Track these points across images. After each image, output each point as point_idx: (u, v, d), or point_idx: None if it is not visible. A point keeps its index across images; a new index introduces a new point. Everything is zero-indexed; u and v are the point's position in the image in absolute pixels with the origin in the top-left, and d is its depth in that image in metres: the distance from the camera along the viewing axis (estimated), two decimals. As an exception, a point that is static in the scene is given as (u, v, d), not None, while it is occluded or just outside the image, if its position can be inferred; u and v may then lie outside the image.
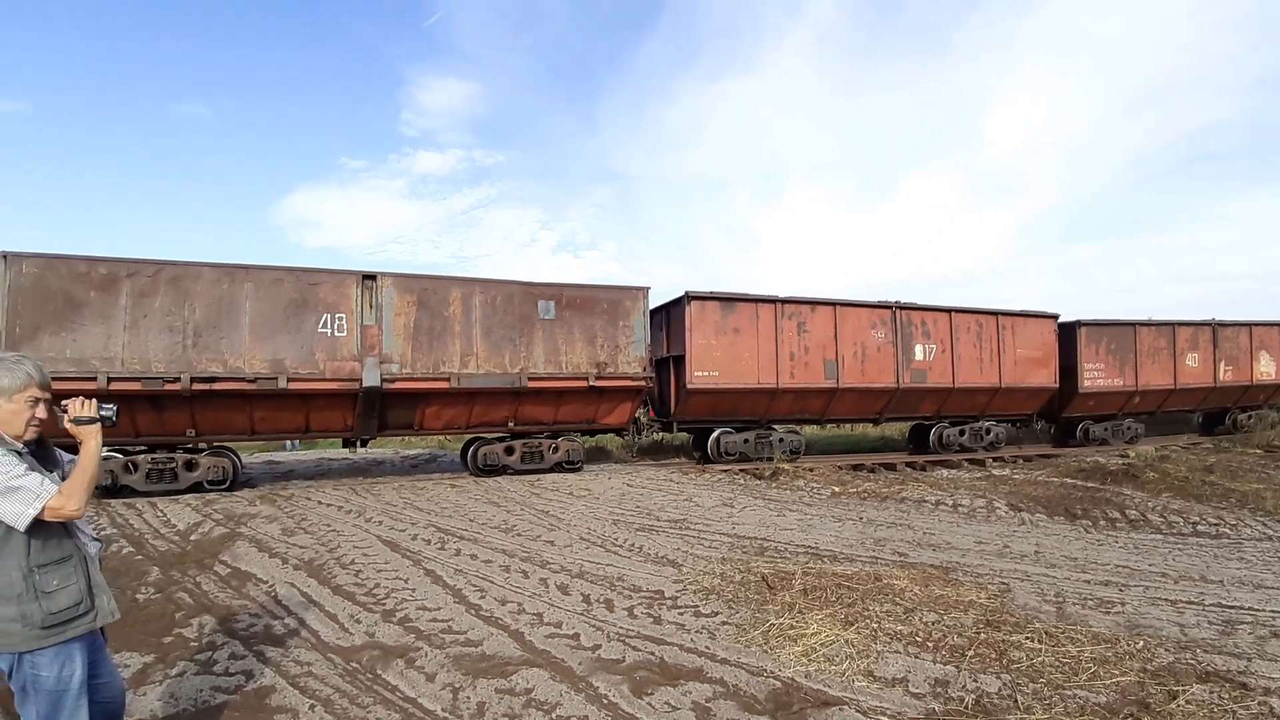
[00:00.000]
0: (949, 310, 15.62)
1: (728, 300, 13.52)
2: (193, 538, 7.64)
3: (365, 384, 10.89)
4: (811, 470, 13.33)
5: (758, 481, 12.24)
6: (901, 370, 14.91)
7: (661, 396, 14.65)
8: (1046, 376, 17.04)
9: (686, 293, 13.28)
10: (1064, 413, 18.35)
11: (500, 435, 12.78)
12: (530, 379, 12.09)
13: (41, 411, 2.36)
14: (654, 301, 13.54)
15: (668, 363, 14.23)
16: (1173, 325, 19.13)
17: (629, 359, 12.86)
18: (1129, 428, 19.22)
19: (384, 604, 5.41)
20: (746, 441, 14.21)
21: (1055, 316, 17.42)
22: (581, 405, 12.82)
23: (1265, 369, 20.32)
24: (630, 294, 13.06)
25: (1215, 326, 19.63)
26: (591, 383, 12.46)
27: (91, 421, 2.41)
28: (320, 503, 9.80)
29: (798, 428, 14.91)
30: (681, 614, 5.17)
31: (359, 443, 12.08)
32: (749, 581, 5.93)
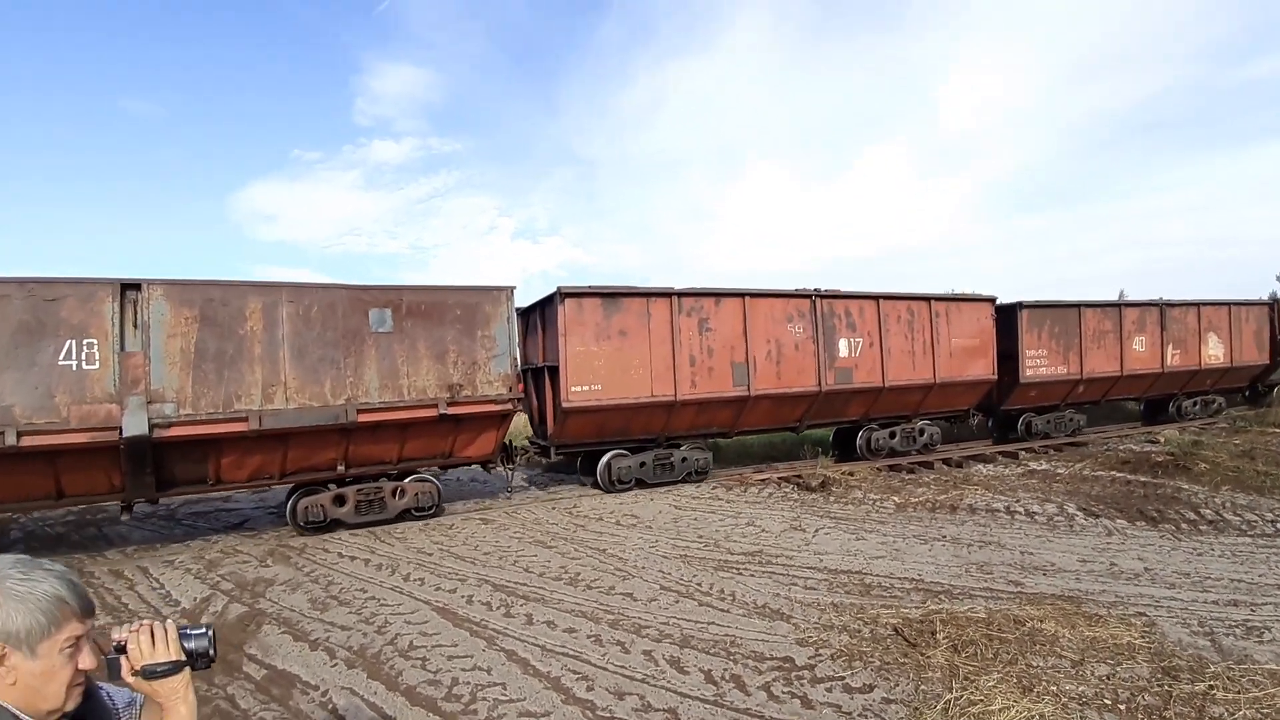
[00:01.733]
0: (876, 297, 14.50)
1: (611, 296, 11.97)
2: (204, 620, 6.77)
3: (126, 433, 8.89)
4: (850, 475, 13.27)
5: (810, 494, 12.23)
6: (824, 370, 13.67)
7: (540, 414, 12.96)
8: (984, 367, 16.21)
9: (558, 289, 11.69)
10: (1004, 405, 17.73)
11: (329, 480, 10.82)
12: (362, 411, 10.29)
13: (88, 659, 1.56)
14: (533, 298, 11.73)
15: (542, 374, 12.53)
16: (1119, 306, 18.80)
17: (490, 377, 11.16)
18: (1071, 419, 18.77)
19: (475, 711, 4.85)
20: (644, 465, 12.73)
21: (993, 300, 16.66)
22: (432, 438, 11.11)
23: (1214, 351, 20.23)
24: (490, 296, 11.34)
25: (1163, 307, 19.45)
26: (443, 410, 10.71)
27: (175, 670, 1.62)
28: (342, 555, 9.27)
29: (704, 444, 13.36)
30: (830, 690, 4.98)
31: (130, 507, 9.92)
32: (880, 636, 5.85)
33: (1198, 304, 20.07)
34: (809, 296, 13.77)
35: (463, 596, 7.26)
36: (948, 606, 6.45)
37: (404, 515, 11.31)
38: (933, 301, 15.44)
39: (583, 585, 7.49)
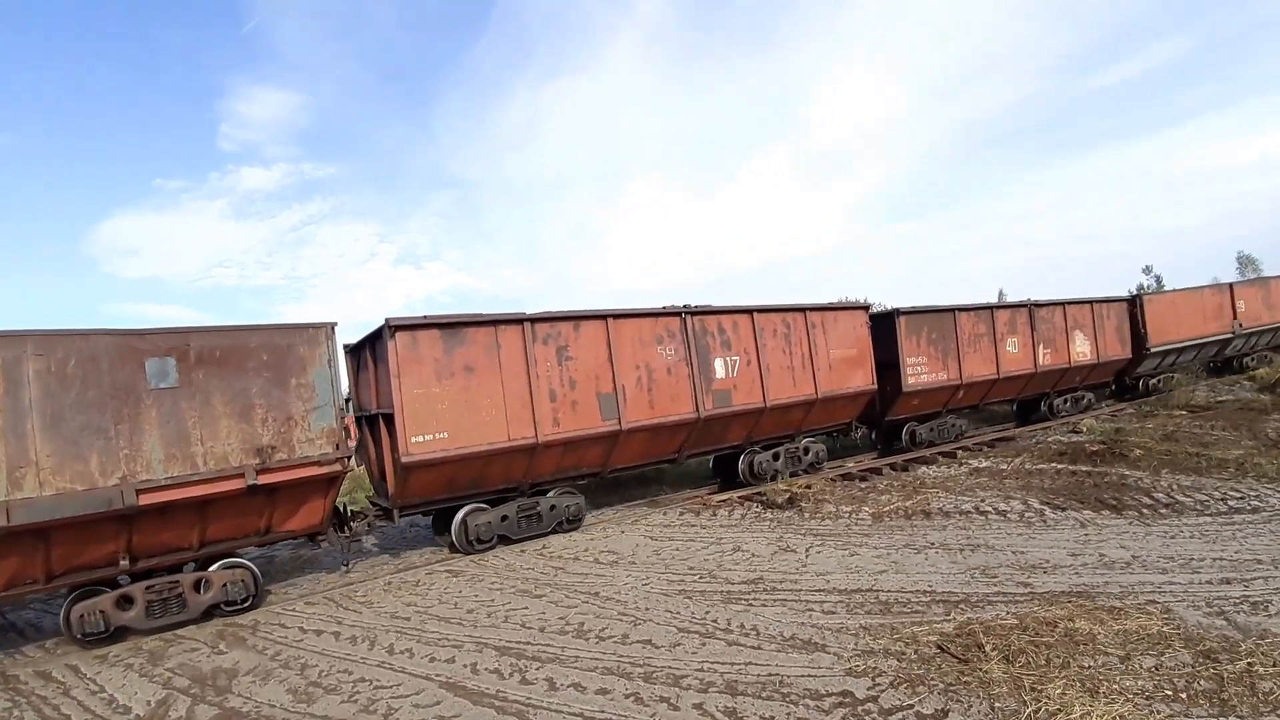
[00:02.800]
0: (750, 311, 13.93)
1: (451, 326, 10.79)
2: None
3: None
4: (808, 488, 13.49)
5: (781, 512, 12.42)
6: (701, 394, 12.89)
7: (380, 469, 11.50)
8: (864, 378, 15.99)
9: (386, 321, 10.35)
10: (887, 416, 17.52)
11: (112, 577, 9.07)
12: (144, 490, 8.61)
13: None
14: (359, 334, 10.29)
15: (377, 422, 11.10)
16: (991, 309, 19.24)
17: (311, 433, 9.75)
18: (953, 425, 18.92)
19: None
20: (506, 519, 11.49)
21: (866, 307, 16.56)
22: (242, 514, 9.64)
23: (1081, 349, 21.03)
24: (305, 336, 9.95)
25: (1031, 307, 20.12)
26: (252, 480, 9.15)
27: None
28: (304, 630, 8.58)
29: (573, 488, 12.21)
30: (907, 722, 5.00)
31: None
32: (927, 656, 5.92)
33: (1063, 303, 20.80)
34: (678, 314, 12.97)
35: (465, 665, 6.84)
36: (976, 616, 6.69)
37: (211, 612, 9.58)
38: (808, 312, 15.03)
39: (593, 637, 7.22)
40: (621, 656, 6.62)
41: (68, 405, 8.39)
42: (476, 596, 9.08)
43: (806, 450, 15.64)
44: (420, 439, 10.44)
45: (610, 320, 12.12)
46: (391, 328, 10.44)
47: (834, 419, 16.06)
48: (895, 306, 17.06)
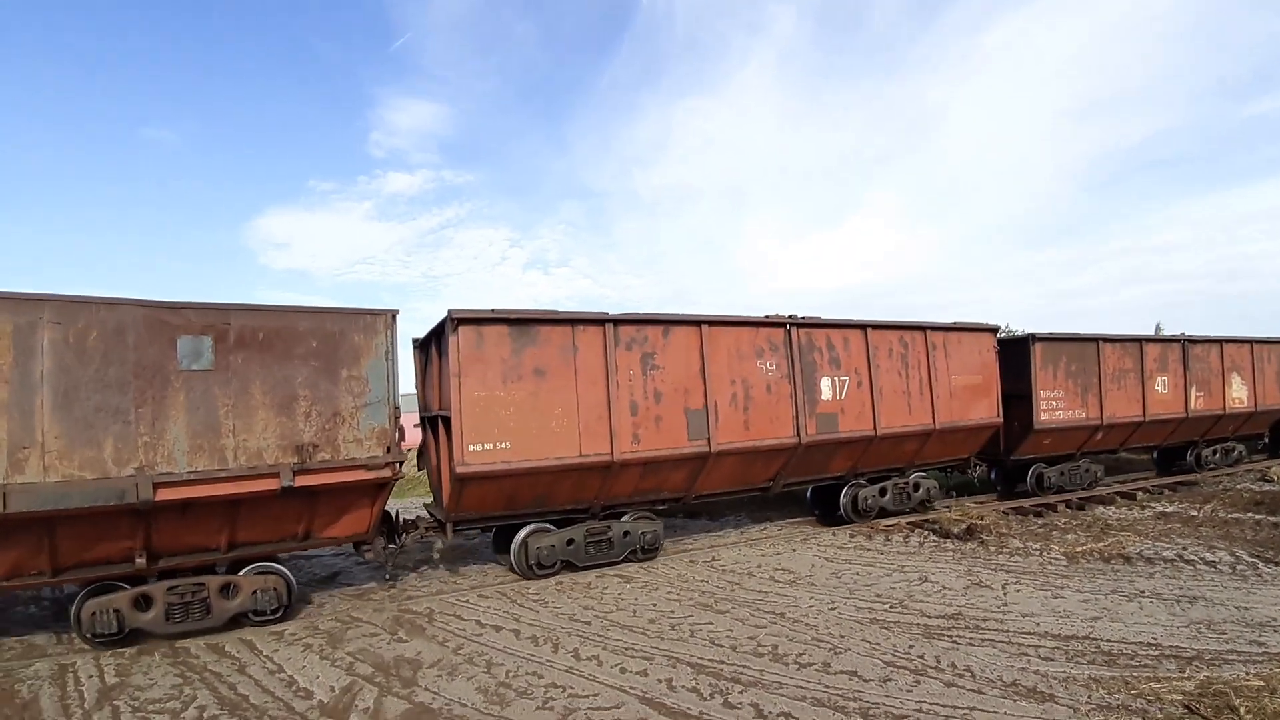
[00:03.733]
0: (863, 326, 12.18)
1: (522, 323, 9.51)
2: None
3: None
4: (982, 519, 12.79)
5: (964, 543, 11.71)
6: (804, 417, 11.28)
7: (439, 476, 10.36)
8: (988, 409, 14.03)
9: (450, 313, 9.08)
10: (1014, 454, 15.46)
11: (129, 576, 8.15)
12: (162, 485, 7.60)
13: None
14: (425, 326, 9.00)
15: (437, 424, 9.92)
16: (1140, 341, 16.97)
17: (360, 433, 8.63)
18: (1087, 470, 16.57)
19: None
20: (572, 544, 10.15)
21: (995, 330, 14.50)
22: (277, 517, 8.60)
23: (1238, 394, 18.54)
24: (361, 322, 8.85)
25: (1185, 343, 17.75)
26: (287, 481, 8.06)
27: None
28: (481, 624, 8.31)
29: (651, 513, 10.76)
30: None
31: None
32: (1175, 716, 5.46)
33: (1220, 340, 18.29)
34: (783, 325, 11.37)
35: (660, 680, 6.48)
36: (1216, 675, 6.27)
37: (239, 620, 8.53)
38: (929, 331, 13.19)
39: (791, 662, 6.82)
40: (828, 687, 6.25)
41: (84, 382, 7.40)
42: (654, 606, 8.67)
43: (917, 486, 13.77)
44: (479, 447, 9.16)
45: (705, 327, 10.62)
46: (454, 321, 9.19)
47: (951, 453, 14.15)
48: (1030, 332, 15.05)
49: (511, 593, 9.51)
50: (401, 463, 9.02)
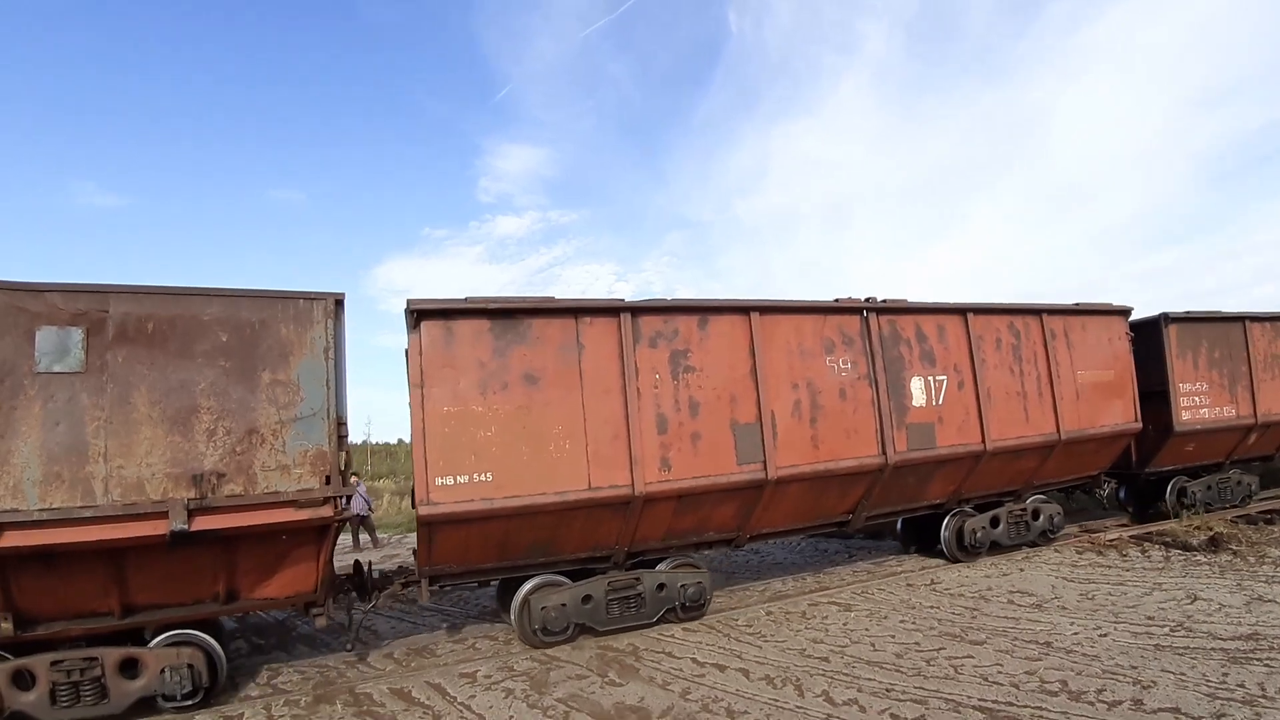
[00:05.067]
0: (962, 310, 9.49)
1: (507, 315, 7.17)
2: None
3: None
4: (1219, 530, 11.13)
5: (1215, 555, 10.21)
6: (890, 429, 8.59)
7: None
8: (1124, 411, 11.18)
9: (407, 304, 6.71)
10: (1148, 466, 12.35)
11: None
12: (8, 525, 5.34)
13: None
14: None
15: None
16: None
17: (286, 456, 6.40)
18: (1239, 483, 13.42)
19: None
20: (589, 602, 7.71)
21: (1126, 312, 11.50)
22: (181, 573, 6.49)
23: None
24: (289, 310, 6.72)
25: None
26: (178, 525, 5.77)
27: None
28: (697, 662, 7.01)
29: (693, 558, 8.26)
30: None
31: None
32: None
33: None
34: (859, 310, 8.71)
35: None
36: None
37: (152, 703, 6.36)
38: (1045, 316, 10.36)
39: (1095, 701, 5.68)
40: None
41: None
42: (892, 637, 7.47)
43: (1036, 514, 10.91)
44: (449, 481, 6.74)
45: (755, 316, 8.00)
46: (414, 313, 6.83)
47: (1076, 470, 11.23)
48: (1162, 311, 12.09)
49: (721, 625, 8.22)
50: (346, 498, 6.70)
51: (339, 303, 6.78)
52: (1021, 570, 9.84)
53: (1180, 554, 10.30)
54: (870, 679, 6.35)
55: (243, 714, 6.46)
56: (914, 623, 7.87)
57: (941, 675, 6.37)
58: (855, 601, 8.84)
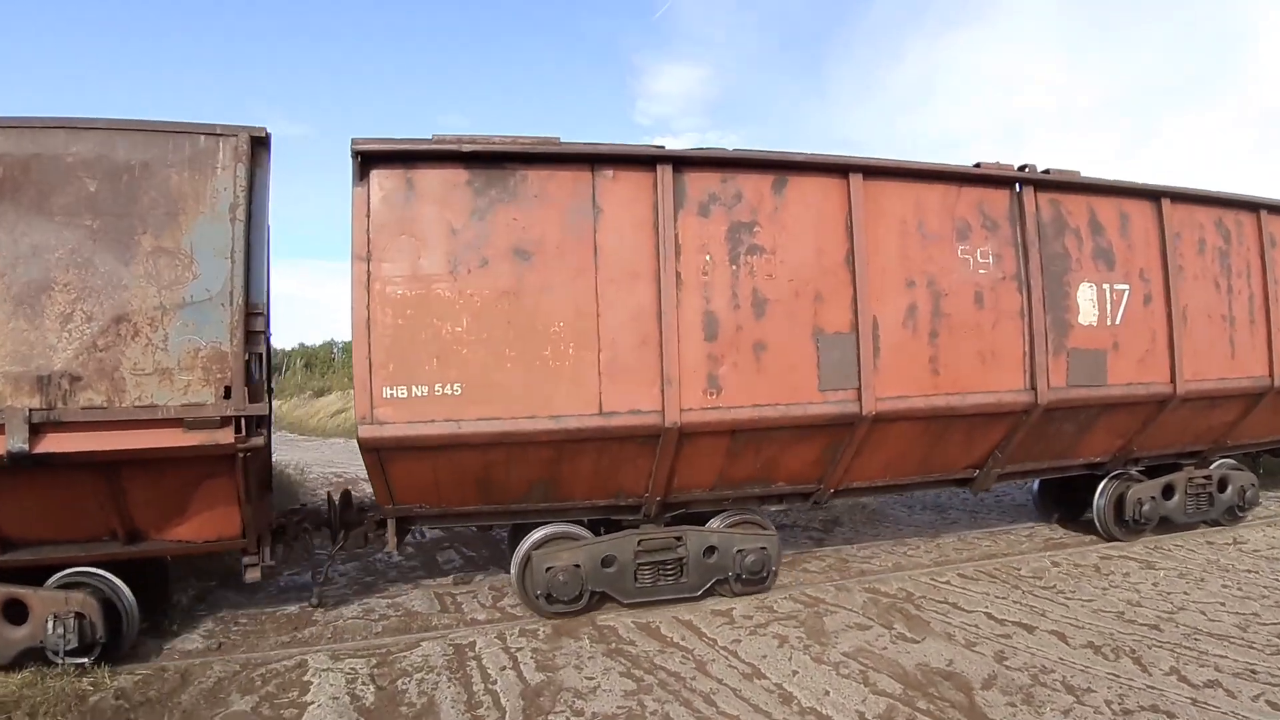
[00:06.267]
0: (1156, 194, 6.76)
1: (491, 162, 4.99)
2: None
3: None
4: None
5: None
6: (1043, 355, 6.09)
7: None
8: None
9: (353, 144, 4.58)
10: None
11: None
12: None
13: None
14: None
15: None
16: None
17: (169, 356, 4.35)
18: None
19: None
20: (611, 565, 5.78)
21: None
22: (57, 501, 4.94)
23: None
24: (183, 148, 4.71)
25: None
26: (15, 444, 3.92)
27: None
28: (994, 619, 5.84)
29: (760, 513, 6.13)
30: None
31: None
32: None
33: None
34: (1010, 182, 6.16)
35: None
36: None
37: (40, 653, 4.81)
38: (1264, 213, 7.53)
39: None
40: None
41: None
42: (1222, 605, 6.09)
43: (1223, 483, 8.24)
44: (400, 393, 4.76)
45: (856, 179, 5.57)
46: (361, 157, 4.79)
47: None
48: None
49: (999, 573, 7.01)
50: (260, 419, 4.82)
51: (259, 141, 4.81)
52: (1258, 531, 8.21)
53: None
54: (1222, 656, 5.21)
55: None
56: (1239, 588, 6.57)
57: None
58: (1155, 559, 7.39)
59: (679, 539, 5.85)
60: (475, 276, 4.87)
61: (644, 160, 5.15)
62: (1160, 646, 5.31)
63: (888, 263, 5.63)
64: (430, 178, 4.91)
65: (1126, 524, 7.69)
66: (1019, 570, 7.07)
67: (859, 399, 5.47)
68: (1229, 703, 4.46)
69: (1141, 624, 5.75)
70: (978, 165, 6.02)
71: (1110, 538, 7.78)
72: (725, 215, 5.30)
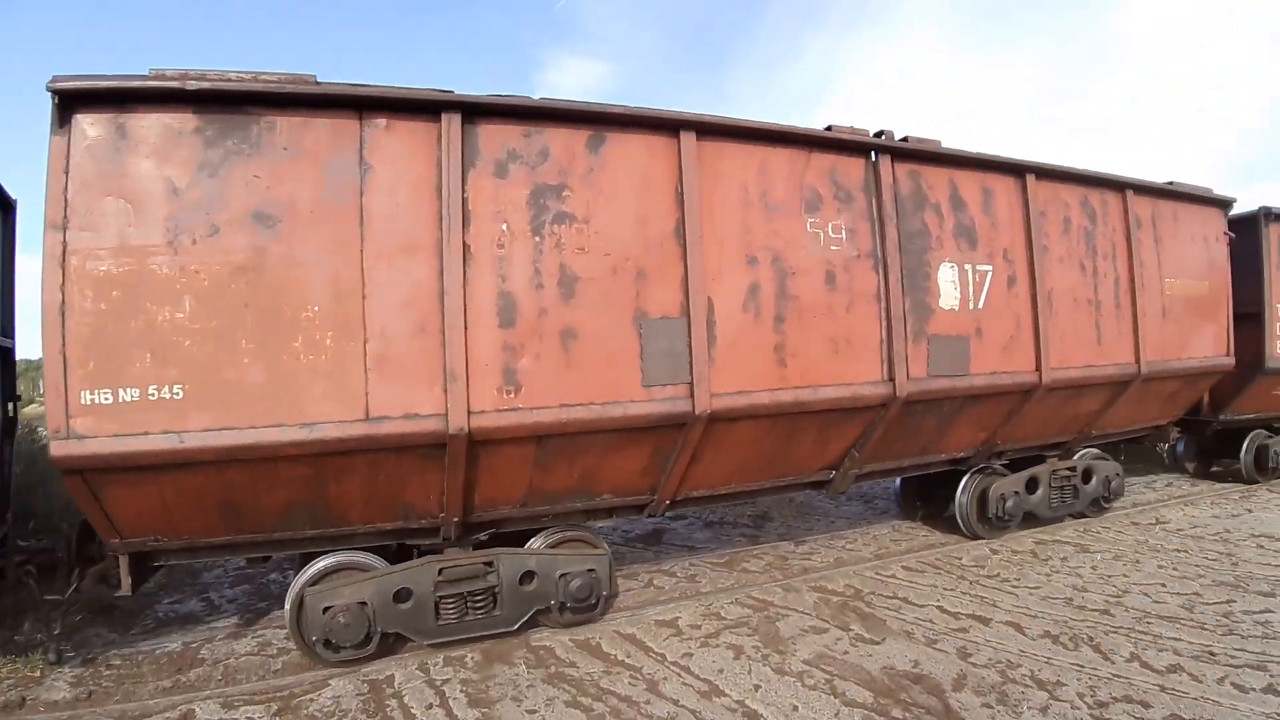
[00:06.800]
0: (1021, 169, 6.32)
1: (228, 104, 4.03)
2: None
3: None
4: None
5: None
6: (902, 342, 5.48)
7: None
8: (1215, 340, 8.51)
9: (52, 82, 3.57)
10: (1223, 413, 9.51)
11: None
12: None
13: None
14: None
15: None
16: None
17: None
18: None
19: None
20: (406, 598, 4.88)
21: (1227, 205, 8.63)
22: None
23: None
24: None
25: None
26: None
27: None
28: (947, 612, 5.77)
29: (589, 530, 5.32)
30: None
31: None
32: None
33: None
34: (866, 149, 5.51)
35: None
36: None
37: None
38: (1130, 194, 7.21)
39: None
40: None
41: None
42: (1163, 586, 6.15)
43: (1088, 475, 7.94)
44: (104, 398, 3.70)
45: (689, 139, 4.76)
46: (61, 98, 3.70)
47: (1144, 418, 8.23)
48: (1262, 206, 9.04)
49: (943, 564, 6.90)
50: None
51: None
52: (1250, 511, 8.62)
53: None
54: (1177, 639, 5.26)
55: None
56: (1174, 569, 6.73)
57: (1257, 635, 5.28)
58: (1087, 541, 7.50)
59: (489, 565, 4.95)
60: (203, 248, 3.83)
61: (426, 107, 4.20)
62: (1115, 632, 5.29)
63: (726, 236, 4.86)
64: (148, 124, 3.84)
65: (990, 521, 7.26)
66: (960, 559, 6.97)
67: (691, 395, 4.68)
68: (1196, 687, 4.43)
69: (1092, 610, 5.72)
70: (829, 128, 5.32)
71: (974, 536, 7.35)
72: (528, 176, 4.40)
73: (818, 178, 5.23)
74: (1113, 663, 4.85)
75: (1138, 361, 7.06)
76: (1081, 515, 8.10)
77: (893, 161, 5.57)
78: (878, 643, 5.14)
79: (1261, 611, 5.60)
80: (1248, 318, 8.83)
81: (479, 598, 4.98)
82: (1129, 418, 7.98)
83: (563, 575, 5.10)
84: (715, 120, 4.85)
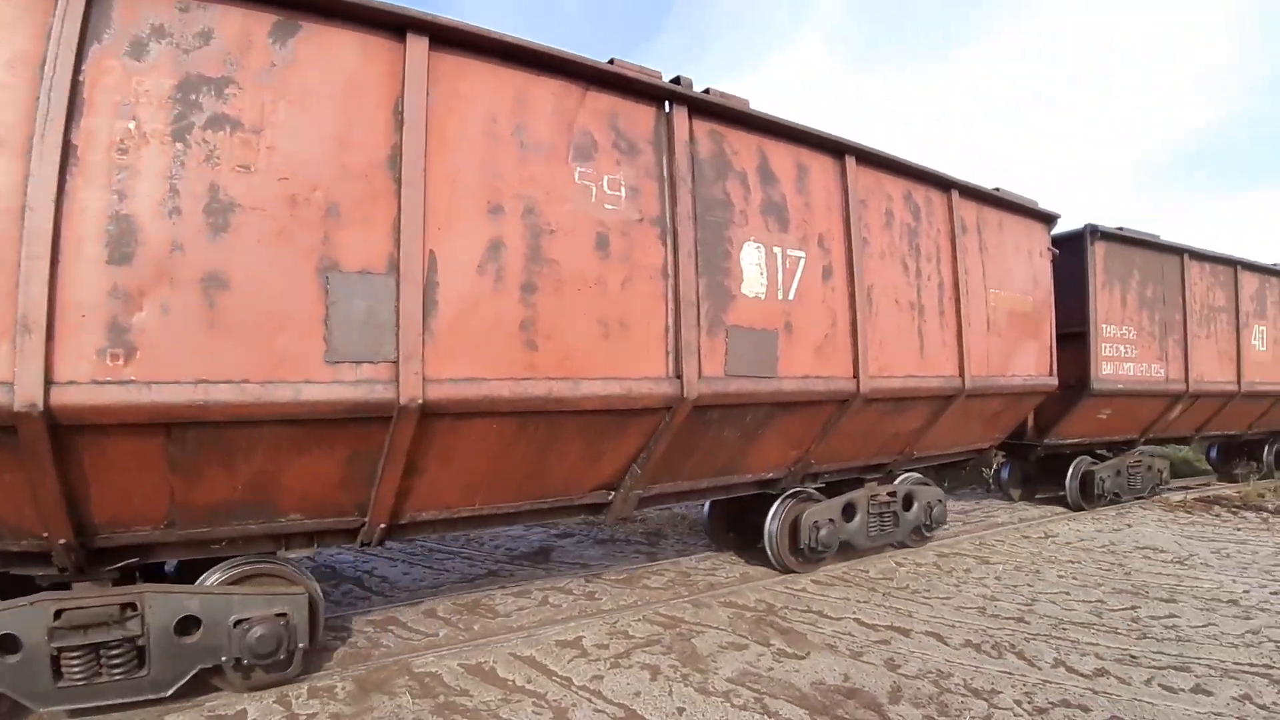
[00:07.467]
0: (841, 150, 5.57)
1: None
2: None
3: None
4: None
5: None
6: (693, 328, 4.57)
7: None
8: (1039, 359, 8.18)
9: None
10: (1047, 436, 9.52)
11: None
12: None
13: None
14: None
15: None
16: (1235, 266, 10.99)
17: None
18: (1149, 469, 10.50)
19: None
20: (12, 652, 3.17)
21: (1052, 220, 8.39)
22: None
23: None
24: None
25: None
26: None
27: None
28: (865, 624, 5.68)
29: (285, 562, 4.05)
30: None
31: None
32: None
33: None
34: (656, 96, 4.59)
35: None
36: None
37: None
38: (956, 194, 6.71)
39: None
40: None
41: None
42: (1068, 595, 6.40)
43: (909, 501, 7.33)
44: None
45: (417, 44, 3.65)
46: None
47: (967, 439, 7.78)
48: (1088, 223, 8.94)
49: (853, 577, 6.71)
50: None
51: None
52: (1130, 525, 9.04)
53: (1263, 518, 9.49)
54: (1094, 644, 5.35)
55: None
56: (1074, 578, 6.95)
57: (1170, 638, 5.48)
58: (984, 553, 7.77)
59: (132, 606, 3.65)
60: None
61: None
62: (1035, 639, 5.36)
63: (461, 175, 3.76)
64: None
65: (802, 552, 6.47)
66: (868, 571, 6.96)
67: (396, 377, 3.52)
68: (1125, 690, 4.50)
69: (1006, 618, 5.78)
70: (612, 61, 4.37)
71: (785, 569, 6.54)
72: (178, 62, 3.16)
73: (594, 120, 4.25)
74: (1040, 669, 4.87)
75: (962, 375, 6.49)
76: (902, 545, 7.49)
77: (691, 115, 4.68)
78: (802, 657, 4.98)
79: (1167, 616, 5.79)
80: (1073, 337, 8.69)
81: (117, 652, 3.66)
82: (952, 439, 7.45)
83: (240, 622, 3.84)
84: (458, 26, 3.77)
